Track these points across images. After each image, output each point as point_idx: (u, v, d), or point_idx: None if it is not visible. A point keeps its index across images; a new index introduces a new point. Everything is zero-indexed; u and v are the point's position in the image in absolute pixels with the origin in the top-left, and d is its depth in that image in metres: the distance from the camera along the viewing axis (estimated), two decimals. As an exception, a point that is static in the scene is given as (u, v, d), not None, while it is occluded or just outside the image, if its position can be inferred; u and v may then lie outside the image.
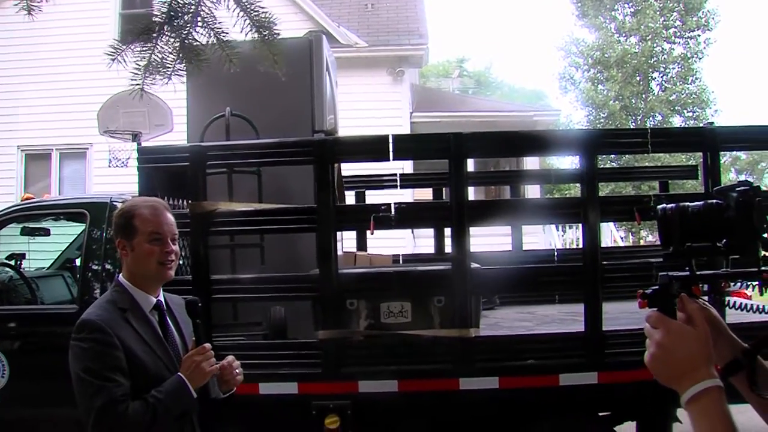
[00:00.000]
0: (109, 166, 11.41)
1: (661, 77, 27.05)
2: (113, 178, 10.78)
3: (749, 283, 5.23)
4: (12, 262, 6.00)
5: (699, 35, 26.62)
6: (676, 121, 26.24)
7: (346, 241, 6.22)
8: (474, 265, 4.38)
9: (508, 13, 79.95)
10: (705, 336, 1.36)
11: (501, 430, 4.52)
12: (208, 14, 2.98)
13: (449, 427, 4.50)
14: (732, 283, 5.12)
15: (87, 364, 2.47)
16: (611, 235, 15.22)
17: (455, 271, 4.28)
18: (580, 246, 4.94)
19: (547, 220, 8.10)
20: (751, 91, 59.40)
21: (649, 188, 16.20)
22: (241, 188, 5.07)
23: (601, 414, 4.66)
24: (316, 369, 4.30)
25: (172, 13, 2.91)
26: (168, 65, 2.99)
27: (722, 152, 4.96)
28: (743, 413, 1.39)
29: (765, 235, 1.42)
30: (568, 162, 22.68)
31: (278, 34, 3.17)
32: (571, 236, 15.80)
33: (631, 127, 25.28)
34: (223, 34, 3.03)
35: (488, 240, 7.21)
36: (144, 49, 2.96)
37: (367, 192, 6.95)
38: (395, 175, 6.85)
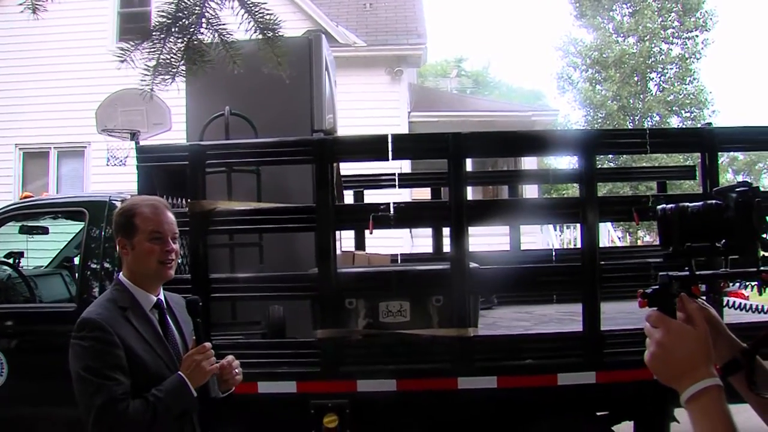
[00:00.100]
0: (107, 165, 11.42)
1: (659, 77, 27.12)
2: (111, 176, 10.78)
3: (747, 283, 5.24)
4: (10, 261, 6.00)
5: (697, 36, 26.70)
6: (674, 122, 26.30)
7: (345, 240, 6.22)
8: (472, 264, 4.39)
9: (506, 13, 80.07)
10: (705, 335, 1.37)
11: (499, 430, 4.53)
12: (212, 15, 2.99)
13: (448, 426, 4.51)
14: (730, 284, 5.14)
15: (87, 363, 2.47)
16: (609, 235, 15.24)
17: (454, 270, 4.29)
18: (578, 246, 4.95)
19: (546, 220, 8.12)
20: (748, 92, 59.52)
21: (647, 188, 16.23)
22: (240, 187, 5.07)
23: (599, 413, 4.67)
24: (315, 368, 4.30)
25: (178, 14, 2.92)
26: (173, 66, 3.00)
27: (720, 153, 4.97)
28: (741, 413, 1.40)
29: (764, 236, 1.43)
30: (565, 162, 22.68)
31: (282, 34, 3.18)
32: (569, 236, 15.83)
33: (629, 127, 25.35)
34: (228, 35, 3.04)
35: (486, 240, 7.21)
36: (152, 50, 2.97)
37: (366, 191, 6.96)
38: (393, 174, 6.85)
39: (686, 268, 1.46)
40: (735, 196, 1.42)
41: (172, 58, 3.02)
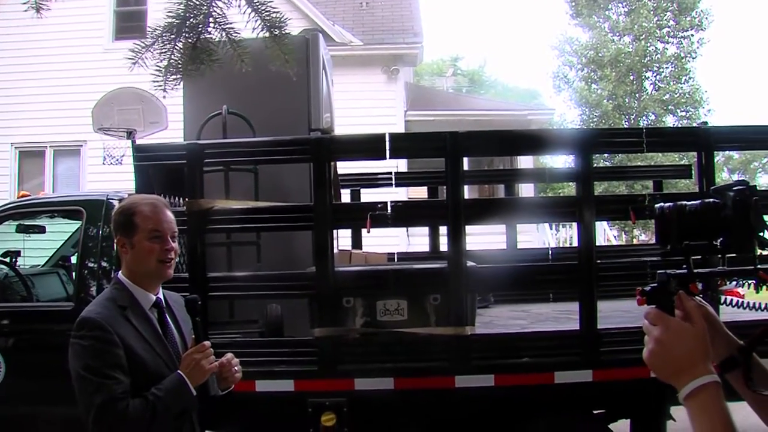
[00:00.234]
0: (104, 164, 11.40)
1: (655, 77, 27.16)
2: (107, 175, 10.78)
3: (744, 281, 5.26)
4: (7, 260, 5.99)
5: (692, 35, 26.74)
6: (669, 121, 26.34)
7: (341, 239, 6.23)
8: (470, 263, 4.40)
9: (501, 12, 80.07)
10: (703, 333, 1.38)
11: (496, 428, 4.54)
12: (219, 14, 3.00)
13: (445, 424, 4.52)
14: (727, 282, 5.15)
15: (87, 362, 2.47)
16: (605, 234, 15.28)
17: (451, 269, 4.30)
18: (574, 244, 4.96)
19: (543, 219, 8.14)
20: (743, 91, 59.64)
21: (642, 187, 16.27)
22: (237, 186, 5.08)
23: (595, 412, 4.68)
24: (313, 367, 4.30)
25: (186, 14, 2.93)
26: (182, 65, 3.00)
27: (716, 152, 4.99)
28: (738, 411, 1.41)
29: (761, 234, 1.44)
30: (561, 161, 22.71)
31: (289, 33, 3.19)
32: (565, 235, 15.86)
33: (624, 126, 25.38)
34: (235, 34, 3.04)
35: (483, 238, 7.22)
36: (163, 50, 2.98)
37: (362, 190, 6.96)
38: (390, 173, 6.86)
39: (684, 266, 1.47)
40: (732, 195, 1.43)
41: (181, 57, 3.03)
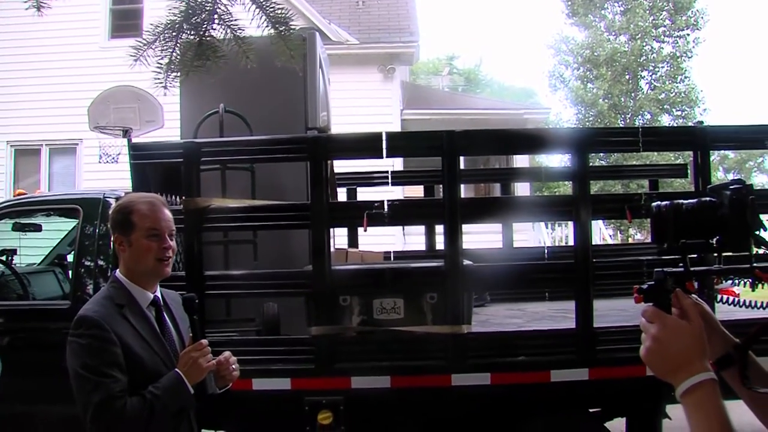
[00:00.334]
0: (100, 162, 11.38)
1: (650, 76, 27.21)
2: (103, 174, 10.77)
3: (740, 280, 5.29)
4: (3, 258, 5.99)
5: (688, 34, 26.81)
6: (665, 120, 26.40)
7: (337, 238, 6.23)
8: (466, 262, 4.41)
9: (498, 11, 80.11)
10: (699, 330, 1.39)
11: (493, 426, 4.54)
12: (224, 11, 3.00)
13: (441, 422, 4.52)
14: (723, 280, 5.17)
15: (85, 360, 2.47)
16: (600, 233, 15.30)
17: (448, 267, 4.31)
18: (570, 243, 4.97)
19: (539, 218, 8.15)
20: (739, 90, 59.78)
21: (638, 186, 16.29)
22: (234, 185, 5.07)
23: (591, 410, 4.69)
24: (309, 365, 4.31)
25: (189, 12, 2.93)
26: (186, 63, 3.00)
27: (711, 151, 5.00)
28: (734, 409, 1.42)
29: (757, 233, 1.45)
30: (556, 160, 22.74)
31: (294, 29, 3.19)
32: (560, 234, 15.88)
33: (620, 125, 25.42)
34: (240, 31, 3.05)
35: (479, 237, 7.24)
36: (165, 48, 2.97)
37: (358, 189, 6.96)
38: (387, 172, 6.86)
39: (681, 264, 1.48)
40: (729, 194, 1.44)
41: (186, 54, 3.03)
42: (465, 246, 4.42)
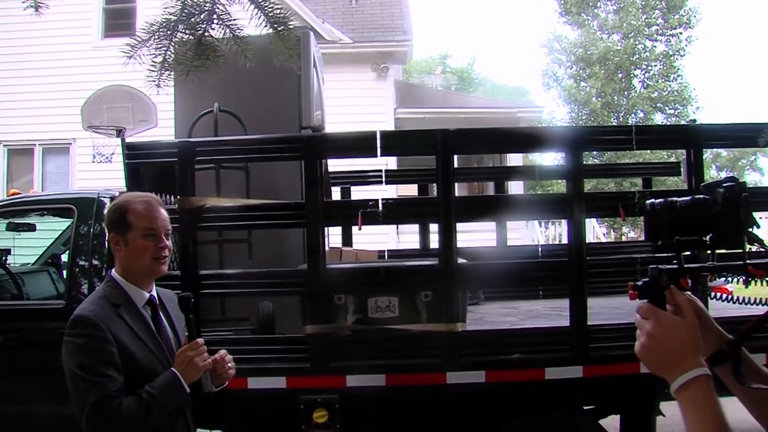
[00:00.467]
0: (93, 162, 11.35)
1: (643, 74, 27.26)
2: (97, 173, 10.74)
3: (733, 277, 5.32)
4: (-2, 258, 5.97)
5: (681, 33, 26.84)
6: (658, 118, 26.45)
7: (331, 237, 6.23)
8: (460, 260, 4.42)
9: (491, 10, 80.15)
10: (693, 326, 1.41)
11: (487, 423, 4.55)
12: (223, 11, 3.00)
13: (437, 420, 4.54)
14: (717, 277, 5.20)
15: (81, 360, 2.48)
16: (594, 231, 15.33)
17: (442, 266, 4.32)
18: (563, 242, 4.99)
19: (534, 216, 8.17)
20: (732, 89, 59.92)
21: (631, 185, 16.33)
22: (229, 184, 5.07)
23: (586, 407, 4.71)
24: (304, 363, 4.31)
25: (186, 11, 2.93)
26: (185, 62, 3.00)
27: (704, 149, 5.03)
28: (728, 405, 1.43)
29: (750, 230, 1.46)
30: (549, 159, 22.78)
31: (293, 28, 3.19)
32: (554, 232, 15.92)
33: (613, 123, 25.46)
34: (238, 30, 3.04)
35: (473, 236, 7.25)
36: (159, 46, 2.97)
37: (352, 188, 6.97)
38: (380, 171, 6.87)
39: (675, 261, 1.49)
40: (722, 191, 1.45)
41: (185, 53, 3.02)
42: (459, 244, 4.43)
